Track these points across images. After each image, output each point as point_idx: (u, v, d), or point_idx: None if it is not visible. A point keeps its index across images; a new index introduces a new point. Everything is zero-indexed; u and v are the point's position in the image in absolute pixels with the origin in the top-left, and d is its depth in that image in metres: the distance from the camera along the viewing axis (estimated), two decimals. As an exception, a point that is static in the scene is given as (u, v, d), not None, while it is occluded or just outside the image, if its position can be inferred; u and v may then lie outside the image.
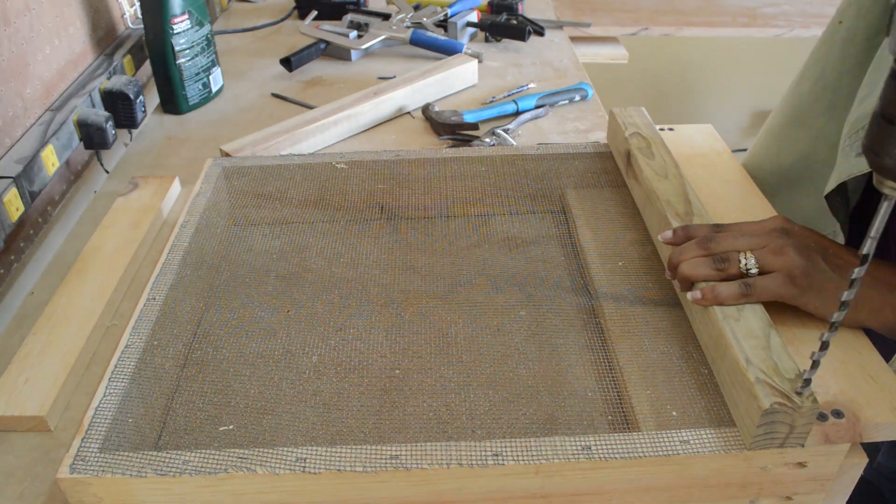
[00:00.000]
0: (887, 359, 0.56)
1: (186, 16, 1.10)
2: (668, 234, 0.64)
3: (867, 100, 0.62)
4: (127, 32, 1.20)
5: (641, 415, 0.55)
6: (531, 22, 1.41)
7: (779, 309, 0.59)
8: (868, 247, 0.42)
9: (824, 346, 0.46)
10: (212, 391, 0.63)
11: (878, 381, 0.54)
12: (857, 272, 0.42)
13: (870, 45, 0.71)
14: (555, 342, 0.67)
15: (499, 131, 1.04)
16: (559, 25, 1.50)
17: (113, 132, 0.98)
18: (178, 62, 1.11)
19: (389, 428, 0.59)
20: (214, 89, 1.19)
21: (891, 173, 0.39)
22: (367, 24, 1.36)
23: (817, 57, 0.79)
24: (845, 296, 0.43)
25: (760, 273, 0.57)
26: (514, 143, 1.02)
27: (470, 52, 1.26)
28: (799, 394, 0.48)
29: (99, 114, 0.97)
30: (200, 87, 1.16)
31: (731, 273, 0.58)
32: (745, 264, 0.57)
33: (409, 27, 1.34)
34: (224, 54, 1.35)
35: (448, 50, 1.28)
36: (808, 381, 0.48)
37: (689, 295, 0.59)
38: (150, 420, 0.58)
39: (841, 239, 0.66)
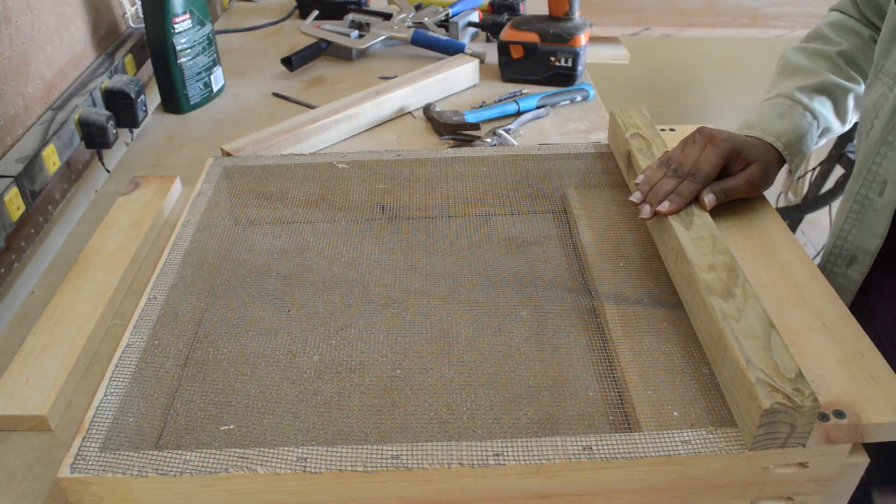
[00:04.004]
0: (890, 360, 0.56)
1: (188, 15, 1.10)
2: (637, 195, 0.72)
3: None
4: (128, 31, 1.20)
5: (642, 415, 0.55)
6: (532, 22, 1.41)
7: (779, 309, 0.59)
8: None
9: None
10: (213, 391, 0.63)
11: (880, 381, 0.54)
12: None
13: None
14: (556, 342, 0.67)
15: (500, 131, 1.04)
16: (560, 25, 1.50)
17: (114, 131, 0.98)
18: (179, 61, 1.11)
19: (390, 428, 0.59)
20: (216, 89, 1.19)
21: None
22: (368, 24, 1.36)
23: None
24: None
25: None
26: (516, 144, 1.02)
27: (471, 51, 1.26)
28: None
29: (100, 113, 0.97)
30: (201, 86, 1.16)
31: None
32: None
33: (410, 27, 1.34)
34: (225, 54, 1.35)
35: (449, 50, 1.28)
36: None
37: (659, 207, 0.67)
38: (151, 419, 0.59)
39: None
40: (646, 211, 0.69)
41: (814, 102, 0.78)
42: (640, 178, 0.72)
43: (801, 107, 0.77)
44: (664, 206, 0.67)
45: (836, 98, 0.79)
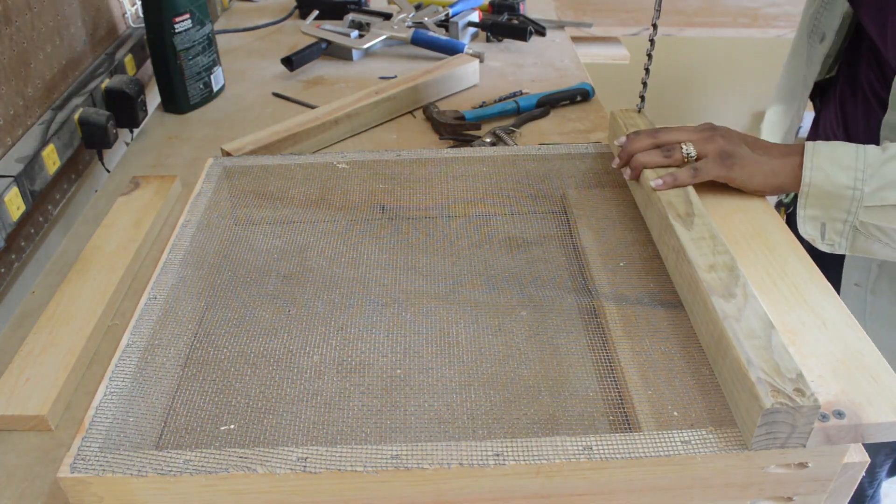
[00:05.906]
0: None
1: (188, 15, 1.10)
2: (623, 138, 0.76)
3: None
4: (128, 31, 1.20)
5: (642, 415, 0.55)
6: (532, 22, 1.41)
7: (779, 309, 0.59)
8: None
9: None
10: (213, 390, 0.63)
11: (880, 381, 0.54)
12: None
13: None
14: (556, 342, 0.67)
15: (500, 131, 1.04)
16: (560, 26, 1.50)
17: (114, 131, 0.98)
18: (179, 61, 1.11)
19: (390, 428, 0.59)
20: (215, 88, 1.19)
21: None
22: (368, 24, 1.36)
23: None
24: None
25: (698, 159, 0.71)
26: (516, 144, 1.02)
27: (471, 51, 1.26)
28: None
29: (100, 113, 0.97)
30: (201, 86, 1.16)
31: (676, 158, 0.71)
32: (687, 151, 0.71)
33: (410, 27, 1.34)
34: (225, 53, 1.35)
35: (449, 50, 1.28)
36: None
37: (651, 183, 0.70)
38: (151, 419, 0.58)
39: None
40: (627, 173, 0.74)
41: None
42: (621, 140, 0.75)
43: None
44: (657, 183, 0.70)
45: None
